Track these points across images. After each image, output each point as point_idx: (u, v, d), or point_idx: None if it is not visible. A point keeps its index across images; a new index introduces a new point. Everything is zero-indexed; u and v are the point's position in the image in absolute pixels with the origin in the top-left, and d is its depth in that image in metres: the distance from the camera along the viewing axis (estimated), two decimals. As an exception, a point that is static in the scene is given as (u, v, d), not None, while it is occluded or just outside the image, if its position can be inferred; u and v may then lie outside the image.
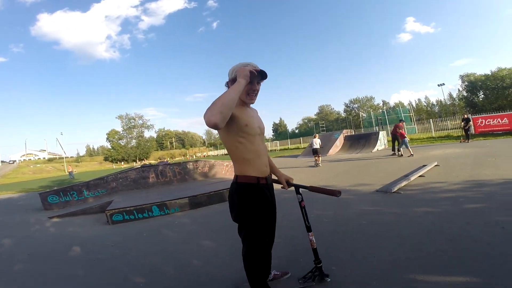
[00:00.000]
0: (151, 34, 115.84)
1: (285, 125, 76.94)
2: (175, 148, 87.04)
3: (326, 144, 17.33)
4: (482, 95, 34.09)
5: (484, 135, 15.00)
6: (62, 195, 6.77)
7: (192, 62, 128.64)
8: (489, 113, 17.08)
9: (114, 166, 60.22)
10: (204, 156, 58.63)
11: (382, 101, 57.55)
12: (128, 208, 4.78)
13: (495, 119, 15.07)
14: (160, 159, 20.25)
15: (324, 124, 38.30)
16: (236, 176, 1.64)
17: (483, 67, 73.37)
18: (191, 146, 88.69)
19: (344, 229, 3.15)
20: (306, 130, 54.49)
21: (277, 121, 79.21)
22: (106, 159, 71.89)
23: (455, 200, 3.73)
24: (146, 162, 59.30)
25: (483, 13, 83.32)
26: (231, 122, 1.45)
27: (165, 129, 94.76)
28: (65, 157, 62.70)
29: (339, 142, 16.82)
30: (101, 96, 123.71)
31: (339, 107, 74.51)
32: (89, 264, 2.96)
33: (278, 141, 41.89)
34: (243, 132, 1.53)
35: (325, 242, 2.75)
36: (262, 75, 1.53)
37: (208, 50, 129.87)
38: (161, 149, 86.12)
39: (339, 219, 3.55)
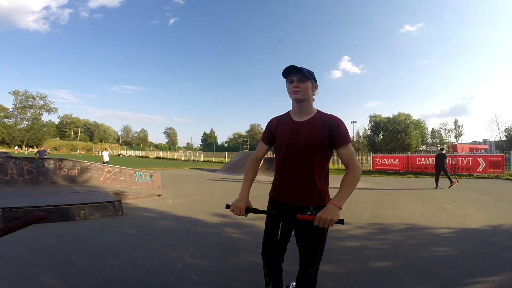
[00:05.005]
0: (98, 15, 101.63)
1: (216, 137, 75.54)
2: (80, 140, 73.42)
3: (246, 163, 16.57)
4: (381, 136, 40.12)
5: (379, 172, 17.04)
6: None
7: (133, 52, 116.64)
8: (385, 153, 19.83)
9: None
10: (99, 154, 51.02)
11: (305, 129, 62.93)
12: None
13: (389, 159, 17.43)
14: (39, 149, 15.03)
15: (249, 143, 38.46)
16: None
17: (389, 111, 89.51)
18: (101, 141, 76.43)
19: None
20: (234, 145, 54.23)
21: (208, 131, 77.15)
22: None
23: (360, 253, 2.98)
24: (35, 149, 47.92)
25: (401, 60, 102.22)
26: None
27: (73, 115, 79.71)
28: None
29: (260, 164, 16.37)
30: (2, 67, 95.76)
31: (268, 128, 77.83)
32: None
33: (202, 152, 39.71)
34: None
35: None
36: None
37: (154, 44, 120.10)
38: (61, 138, 71.63)
39: None
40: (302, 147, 1.38)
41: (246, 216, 1.41)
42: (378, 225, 4.16)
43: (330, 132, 1.37)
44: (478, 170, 14.60)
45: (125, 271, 2.40)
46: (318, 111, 1.46)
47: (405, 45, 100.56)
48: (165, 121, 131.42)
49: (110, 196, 5.29)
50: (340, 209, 1.22)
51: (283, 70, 1.37)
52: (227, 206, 1.41)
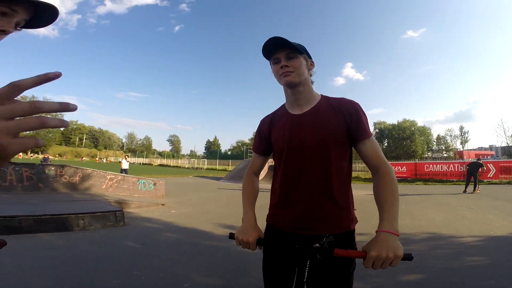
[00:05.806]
0: (105, 21, 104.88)
1: (219, 144, 75.51)
2: (84, 146, 73.89)
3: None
4: (386, 143, 39.50)
5: (386, 179, 16.67)
6: None
7: (138, 59, 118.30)
8: (391, 161, 19.43)
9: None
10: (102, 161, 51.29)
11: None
12: None
13: (397, 167, 17.03)
14: (44, 156, 14.87)
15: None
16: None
17: (393, 117, 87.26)
18: (106, 148, 76.82)
19: None
20: (238, 153, 53.99)
21: (211, 139, 77.25)
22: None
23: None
24: (41, 156, 48.48)
25: (404, 66, 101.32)
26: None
27: (78, 122, 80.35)
28: None
29: (264, 171, 16.13)
30: (8, 71, 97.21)
31: (272, 136, 77.86)
32: None
33: (206, 160, 39.52)
34: None
35: None
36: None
37: (159, 51, 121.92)
38: (66, 145, 72.20)
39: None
40: (309, 148, 0.96)
41: (261, 249, 1.01)
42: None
43: (348, 120, 0.96)
44: (488, 176, 14.19)
45: None
46: (324, 96, 1.05)
47: (408, 50, 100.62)
48: (169, 128, 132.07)
49: (112, 205, 5.08)
50: (399, 236, 0.79)
51: (263, 47, 0.97)
52: (231, 236, 0.99)
